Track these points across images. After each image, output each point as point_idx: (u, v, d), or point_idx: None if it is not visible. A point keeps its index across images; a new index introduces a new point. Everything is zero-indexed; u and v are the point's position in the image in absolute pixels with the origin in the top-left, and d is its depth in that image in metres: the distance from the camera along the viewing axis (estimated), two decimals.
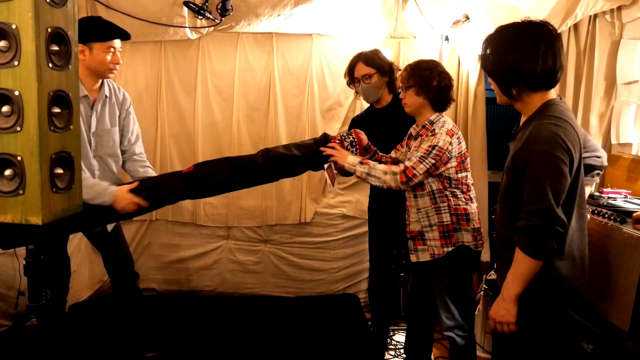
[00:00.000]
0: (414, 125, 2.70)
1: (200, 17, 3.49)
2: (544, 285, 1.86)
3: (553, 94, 1.91)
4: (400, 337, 3.56)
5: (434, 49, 3.89)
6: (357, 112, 3.74)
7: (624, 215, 2.19)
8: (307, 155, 2.60)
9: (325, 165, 2.61)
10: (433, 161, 2.42)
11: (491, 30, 1.96)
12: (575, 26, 2.82)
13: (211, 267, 4.21)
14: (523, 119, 1.95)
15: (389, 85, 3.11)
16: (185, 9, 3.49)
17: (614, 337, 2.10)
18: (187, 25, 3.66)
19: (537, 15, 2.73)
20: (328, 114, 4.11)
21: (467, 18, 3.41)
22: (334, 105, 4.09)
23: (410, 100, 2.58)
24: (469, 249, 2.54)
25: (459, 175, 2.52)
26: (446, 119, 2.56)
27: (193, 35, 3.82)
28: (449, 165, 2.47)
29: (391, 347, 3.48)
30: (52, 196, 1.61)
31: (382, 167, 2.49)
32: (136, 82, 4.01)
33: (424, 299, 2.73)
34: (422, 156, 2.43)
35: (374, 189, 3.25)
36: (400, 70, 2.77)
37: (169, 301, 4.11)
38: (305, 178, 4.06)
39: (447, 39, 3.81)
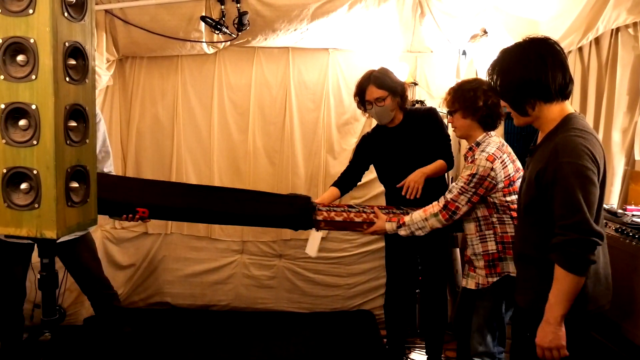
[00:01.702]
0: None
1: (217, 32, 3.52)
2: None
3: (571, 108, 1.87)
4: (416, 355, 3.49)
5: (451, 64, 3.86)
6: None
7: None
8: (282, 202, 2.67)
9: (317, 232, 2.68)
10: (474, 190, 2.35)
11: (510, 44, 1.93)
12: (597, 40, 2.78)
13: (225, 281, 4.19)
14: (541, 135, 1.90)
15: (401, 105, 3.01)
16: (202, 24, 3.52)
17: None
18: (204, 40, 3.69)
19: (557, 29, 2.70)
20: (344, 129, 4.09)
21: (485, 32, 3.38)
22: (350, 120, 4.08)
23: (459, 123, 2.50)
24: (514, 280, 2.36)
25: (507, 198, 2.38)
26: (491, 141, 2.43)
27: (210, 50, 3.85)
28: (494, 191, 2.36)
29: None
30: (67, 210, 1.60)
31: (418, 215, 2.46)
32: (153, 97, 4.05)
33: (469, 321, 2.60)
34: (462, 187, 2.36)
35: (389, 203, 3.18)
36: (411, 85, 2.71)
37: (183, 315, 4.09)
38: (320, 192, 4.04)
39: (464, 53, 3.77)
